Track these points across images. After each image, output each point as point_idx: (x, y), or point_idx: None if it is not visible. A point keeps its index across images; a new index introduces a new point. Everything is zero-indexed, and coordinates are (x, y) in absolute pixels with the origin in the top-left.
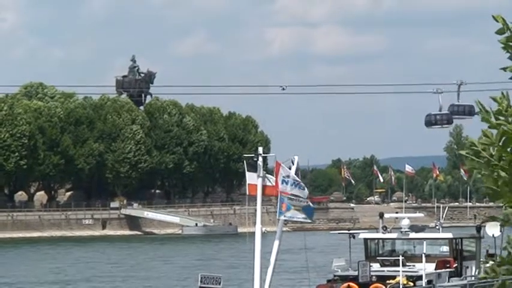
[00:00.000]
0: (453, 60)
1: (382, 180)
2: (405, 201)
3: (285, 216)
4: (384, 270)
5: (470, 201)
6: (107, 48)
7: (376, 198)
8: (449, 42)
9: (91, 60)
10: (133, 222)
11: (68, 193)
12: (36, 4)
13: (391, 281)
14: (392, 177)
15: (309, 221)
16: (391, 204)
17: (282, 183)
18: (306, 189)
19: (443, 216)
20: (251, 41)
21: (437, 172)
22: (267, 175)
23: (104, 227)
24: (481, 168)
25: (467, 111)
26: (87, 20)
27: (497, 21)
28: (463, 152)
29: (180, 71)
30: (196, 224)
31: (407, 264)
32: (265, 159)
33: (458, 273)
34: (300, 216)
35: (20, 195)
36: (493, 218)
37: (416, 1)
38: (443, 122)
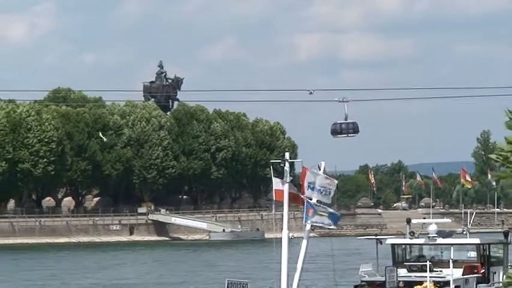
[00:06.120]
0: (484, 66)
1: (405, 189)
2: (433, 207)
3: (311, 221)
4: (411, 276)
5: (498, 207)
6: (138, 53)
7: (404, 204)
8: (480, 47)
9: (121, 66)
10: (160, 227)
11: (96, 199)
12: (68, 10)
13: (418, 287)
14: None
15: (334, 227)
16: (419, 210)
17: (308, 188)
18: (330, 194)
19: (471, 221)
20: (281, 47)
21: (469, 178)
22: (293, 186)
23: (131, 233)
24: (510, 176)
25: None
26: (119, 25)
27: None
28: (493, 156)
29: (210, 77)
30: (224, 230)
31: (435, 269)
32: (292, 165)
33: (485, 279)
34: (326, 222)
35: (48, 201)
36: None
37: (447, 6)
38: (349, 131)
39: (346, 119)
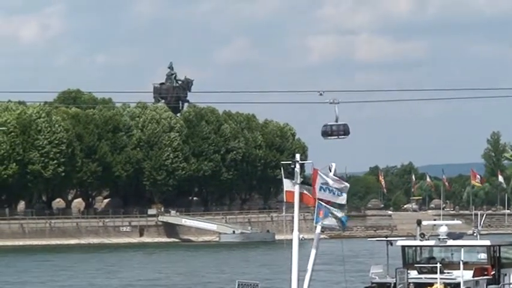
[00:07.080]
0: (495, 67)
1: (415, 191)
2: (443, 209)
3: (322, 223)
4: (421, 278)
5: (508, 209)
6: (149, 55)
7: (414, 205)
8: (490, 48)
9: (132, 67)
10: (170, 229)
11: (106, 200)
12: (79, 11)
13: None
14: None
15: (343, 229)
16: (429, 211)
17: (320, 190)
18: (343, 195)
19: (481, 223)
20: (293, 49)
21: (478, 178)
22: (305, 186)
23: (141, 234)
24: None
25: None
26: (130, 27)
27: None
28: (507, 155)
29: (221, 78)
30: (234, 231)
31: (445, 271)
32: (302, 166)
33: (496, 280)
34: (337, 224)
35: (58, 203)
36: None
37: (458, 8)
38: (339, 132)
39: (336, 121)
